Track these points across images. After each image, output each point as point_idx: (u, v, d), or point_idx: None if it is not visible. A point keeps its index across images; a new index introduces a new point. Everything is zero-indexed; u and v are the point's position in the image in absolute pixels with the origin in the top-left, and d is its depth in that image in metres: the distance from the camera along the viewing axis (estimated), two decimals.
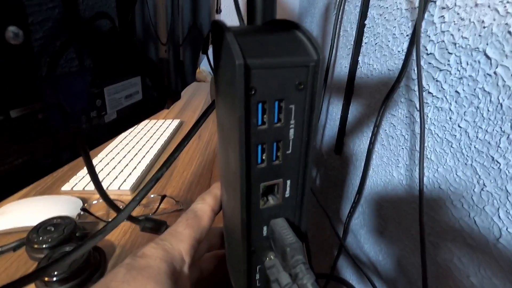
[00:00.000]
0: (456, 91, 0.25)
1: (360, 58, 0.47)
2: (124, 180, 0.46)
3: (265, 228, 0.17)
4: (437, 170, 0.28)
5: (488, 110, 0.22)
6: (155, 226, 0.29)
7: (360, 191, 0.45)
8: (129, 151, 0.56)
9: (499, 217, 0.21)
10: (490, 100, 0.22)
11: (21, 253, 0.34)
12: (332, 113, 0.63)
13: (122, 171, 0.49)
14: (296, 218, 0.18)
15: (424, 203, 0.30)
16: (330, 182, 0.63)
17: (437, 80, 0.28)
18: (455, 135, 0.25)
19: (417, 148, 0.31)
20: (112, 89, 0.27)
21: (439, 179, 0.28)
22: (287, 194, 0.17)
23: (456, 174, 0.25)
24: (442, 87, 0.27)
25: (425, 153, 0.30)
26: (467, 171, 0.24)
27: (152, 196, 0.43)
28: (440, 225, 0.27)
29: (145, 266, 0.18)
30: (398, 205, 0.35)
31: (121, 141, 0.60)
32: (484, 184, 0.22)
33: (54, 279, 0.29)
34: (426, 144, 0.29)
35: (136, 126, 0.65)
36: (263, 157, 0.15)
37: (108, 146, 0.57)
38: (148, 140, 0.61)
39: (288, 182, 0.16)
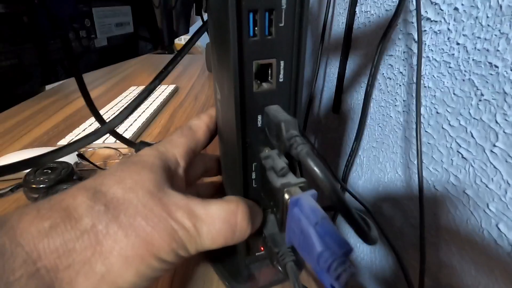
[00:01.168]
0: (455, 8, 0.25)
1: (357, 8, 0.46)
2: (122, 133, 0.46)
3: (259, 118, 0.17)
4: (434, 96, 0.28)
5: (487, 17, 0.22)
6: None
7: (358, 141, 0.45)
8: None
9: (496, 122, 0.21)
10: (490, 5, 0.21)
11: (20, 196, 0.34)
12: (329, 75, 0.62)
13: (118, 127, 0.48)
14: (291, 107, 0.17)
15: (421, 135, 0.30)
16: (329, 144, 0.63)
17: (435, 3, 0.27)
18: (453, 54, 0.25)
19: (415, 80, 0.30)
20: (101, 12, 0.26)
21: (436, 105, 0.28)
22: (281, 79, 0.17)
23: (453, 93, 0.25)
24: (440, 8, 0.26)
25: (422, 82, 0.29)
26: (464, 87, 0.24)
27: None
28: (438, 148, 0.27)
29: (139, 160, 0.17)
30: (396, 145, 0.35)
31: (116, 104, 0.60)
32: (481, 94, 0.22)
33: None
34: (423, 73, 0.29)
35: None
36: (255, 31, 0.15)
37: (104, 107, 0.56)
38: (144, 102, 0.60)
39: (282, 63, 0.16)
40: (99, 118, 0.29)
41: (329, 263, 0.12)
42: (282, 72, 0.16)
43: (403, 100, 0.33)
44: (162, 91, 0.66)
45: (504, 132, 0.20)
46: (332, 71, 0.60)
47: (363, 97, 0.41)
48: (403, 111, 0.34)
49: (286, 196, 0.15)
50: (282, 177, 0.16)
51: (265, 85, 0.16)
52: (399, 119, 0.35)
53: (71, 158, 0.39)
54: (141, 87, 0.71)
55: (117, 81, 0.78)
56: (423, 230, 0.30)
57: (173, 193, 0.16)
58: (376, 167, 0.41)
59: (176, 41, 1.55)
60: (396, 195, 0.36)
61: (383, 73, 0.38)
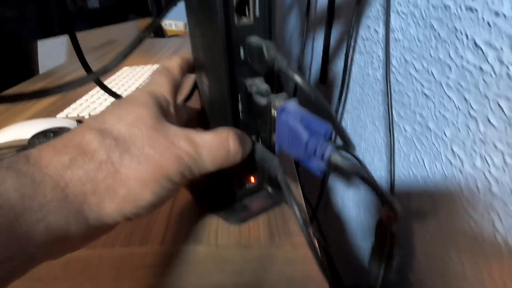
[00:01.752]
0: None
1: None
2: None
3: (242, 50, 0.20)
4: (403, 46, 0.31)
5: None
6: None
7: (341, 104, 0.48)
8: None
9: (450, 56, 0.24)
10: None
11: None
12: (317, 48, 0.65)
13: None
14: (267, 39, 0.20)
15: (391, 84, 0.33)
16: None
17: None
18: (417, 4, 0.28)
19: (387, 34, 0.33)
20: None
21: (404, 54, 0.30)
22: (257, 14, 0.19)
23: (417, 40, 0.28)
24: None
25: (394, 35, 0.32)
26: (426, 32, 0.27)
27: None
28: (407, 93, 0.30)
29: (133, 99, 0.19)
30: (373, 100, 0.38)
31: (110, 83, 0.62)
32: (439, 35, 0.25)
33: None
34: (394, 27, 0.32)
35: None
36: None
37: (89, 92, 0.58)
38: (132, 84, 0.62)
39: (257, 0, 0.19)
40: (87, 67, 0.31)
41: (314, 146, 0.15)
42: (257, 7, 0.19)
43: (378, 57, 0.36)
44: (150, 72, 0.68)
45: (456, 64, 0.23)
46: (319, 43, 0.63)
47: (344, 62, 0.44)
48: (379, 67, 0.36)
49: (273, 108, 0.18)
50: (267, 97, 0.19)
51: (244, 19, 0.19)
52: (376, 76, 0.37)
53: (70, 124, 0.41)
54: (135, 67, 0.72)
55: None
56: (393, 169, 0.33)
57: (172, 126, 0.18)
58: (358, 125, 0.44)
59: (167, 27, 1.55)
60: (374, 144, 0.39)
61: (361, 35, 0.41)
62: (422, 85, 0.28)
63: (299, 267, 0.22)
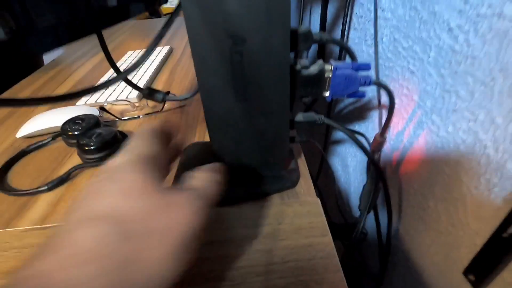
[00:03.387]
0: None
1: None
2: (130, 92, 0.52)
3: None
4: (392, 25, 0.34)
5: None
6: (152, 93, 0.37)
7: None
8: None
9: (429, 36, 0.27)
10: None
11: (59, 144, 0.41)
12: (314, 24, 0.67)
13: (122, 90, 0.54)
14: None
15: (378, 58, 0.36)
16: None
17: None
18: None
19: (378, 14, 0.36)
20: None
21: (394, 32, 0.34)
22: None
23: (404, 19, 0.31)
24: None
25: (384, 14, 0.35)
26: (411, 12, 0.30)
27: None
28: (396, 69, 0.34)
29: (121, 167, 0.17)
30: None
31: (119, 67, 0.64)
32: (421, 16, 0.28)
33: (92, 147, 0.36)
34: (384, 7, 0.35)
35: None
36: None
37: (102, 79, 0.61)
38: (142, 65, 0.65)
39: None
40: (116, 69, 0.35)
41: (364, 79, 0.25)
42: None
43: (371, 34, 0.39)
44: (158, 53, 0.70)
45: (434, 43, 0.27)
46: (316, 19, 0.64)
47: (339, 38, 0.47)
48: (372, 44, 0.40)
49: (326, 72, 0.25)
50: (313, 67, 0.24)
51: None
52: (368, 52, 0.41)
53: (94, 112, 0.45)
54: (138, 51, 0.74)
55: (112, 48, 0.82)
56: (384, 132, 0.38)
57: (172, 191, 0.17)
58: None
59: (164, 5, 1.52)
60: (369, 115, 0.43)
61: (356, 13, 0.43)
62: (408, 61, 0.31)
63: (305, 219, 0.28)
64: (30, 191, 0.33)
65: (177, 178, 0.31)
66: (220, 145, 0.28)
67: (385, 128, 0.35)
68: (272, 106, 0.24)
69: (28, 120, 0.45)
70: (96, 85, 0.28)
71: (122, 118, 0.46)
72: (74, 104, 0.51)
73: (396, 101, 0.35)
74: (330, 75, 0.25)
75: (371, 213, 0.40)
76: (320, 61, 0.25)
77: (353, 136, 0.29)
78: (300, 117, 0.28)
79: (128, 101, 0.49)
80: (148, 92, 0.38)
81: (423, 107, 0.30)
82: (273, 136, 0.27)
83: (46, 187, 0.33)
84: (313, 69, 0.25)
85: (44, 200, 0.32)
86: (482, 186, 0.24)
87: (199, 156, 0.34)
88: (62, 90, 0.59)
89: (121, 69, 0.63)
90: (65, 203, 0.32)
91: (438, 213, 0.30)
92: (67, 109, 0.48)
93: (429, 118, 0.29)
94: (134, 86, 0.38)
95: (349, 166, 0.53)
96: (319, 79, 0.25)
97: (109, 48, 0.35)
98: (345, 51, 0.29)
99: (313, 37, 0.24)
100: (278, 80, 0.23)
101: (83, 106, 0.49)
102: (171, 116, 0.47)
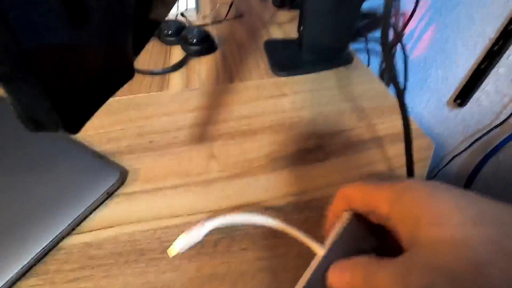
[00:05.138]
0: None
1: None
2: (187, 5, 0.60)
3: None
4: None
5: None
6: None
7: None
8: None
9: None
10: None
11: (154, 43, 0.51)
12: None
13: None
14: None
15: None
16: None
17: None
18: None
19: None
20: None
21: None
22: None
23: None
24: None
25: None
26: None
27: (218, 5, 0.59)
28: None
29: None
30: None
31: None
32: None
33: (195, 40, 0.47)
34: None
35: None
36: None
37: None
38: None
39: None
40: None
41: None
42: None
43: None
44: None
45: None
46: None
47: None
48: None
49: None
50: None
51: None
52: None
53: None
54: None
55: None
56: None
57: None
58: None
59: None
60: None
61: None
62: None
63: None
64: (160, 71, 0.44)
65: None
66: (312, 33, 0.41)
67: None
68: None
69: None
70: None
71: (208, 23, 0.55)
72: None
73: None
74: None
75: None
76: None
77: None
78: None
79: (194, 11, 0.58)
80: None
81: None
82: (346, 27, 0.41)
83: (170, 69, 0.45)
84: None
85: (173, 79, 0.44)
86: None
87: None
88: None
89: None
90: (192, 79, 0.44)
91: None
92: None
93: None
94: None
95: None
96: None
97: None
98: None
99: None
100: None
101: None
102: (237, 22, 0.57)
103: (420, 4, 0.47)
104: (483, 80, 0.40)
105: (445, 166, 0.49)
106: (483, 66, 0.40)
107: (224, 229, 0.27)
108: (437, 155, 0.50)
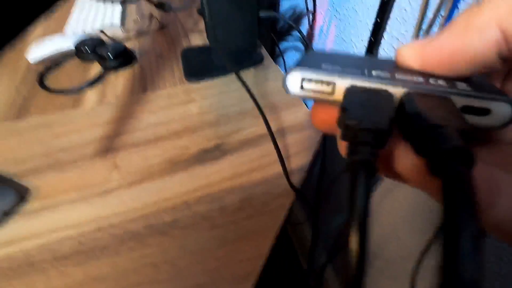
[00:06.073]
0: None
1: None
2: (109, 18, 0.61)
3: None
4: None
5: None
6: (161, 5, 0.50)
7: None
8: None
9: None
10: None
11: (74, 62, 0.52)
12: None
13: (103, 18, 0.63)
14: None
15: None
16: None
17: None
18: None
19: None
20: None
21: None
22: None
23: None
24: None
25: None
26: None
27: None
28: None
29: None
30: None
31: None
32: None
33: (111, 56, 0.48)
34: None
35: None
36: None
37: (75, 8, 0.67)
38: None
39: None
40: None
41: None
42: None
43: None
44: None
45: None
46: None
47: None
48: None
49: None
50: None
51: None
52: None
53: (98, 36, 0.55)
54: None
55: None
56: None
57: None
58: None
59: None
60: None
61: None
62: None
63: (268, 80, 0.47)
64: (75, 88, 0.45)
65: None
66: (217, 37, 0.44)
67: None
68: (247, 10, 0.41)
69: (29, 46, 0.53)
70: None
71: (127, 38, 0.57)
72: (63, 33, 0.59)
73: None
74: None
75: None
76: None
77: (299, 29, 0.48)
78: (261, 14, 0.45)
79: (118, 26, 0.59)
80: (158, 4, 0.50)
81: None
82: (248, 29, 0.44)
83: (84, 86, 0.46)
84: None
85: (88, 96, 0.45)
86: None
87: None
88: (41, 25, 0.64)
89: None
90: (107, 94, 0.46)
91: None
92: (62, 36, 0.56)
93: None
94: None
95: None
96: None
97: None
98: None
99: None
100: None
101: (77, 34, 0.58)
102: (160, 34, 0.59)
103: (320, 3, 0.51)
104: None
105: None
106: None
107: (117, 233, 0.29)
108: None
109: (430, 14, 0.37)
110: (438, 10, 0.35)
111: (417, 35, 0.38)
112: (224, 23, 0.42)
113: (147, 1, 0.58)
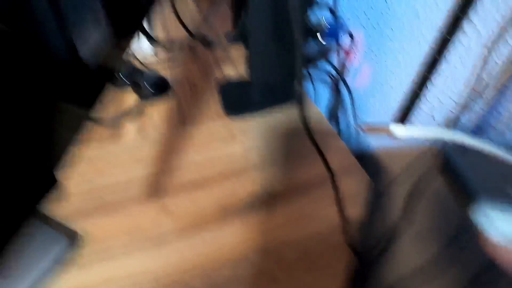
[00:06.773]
0: None
1: None
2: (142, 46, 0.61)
3: None
4: None
5: None
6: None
7: None
8: None
9: None
10: None
11: None
12: None
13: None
14: None
15: None
16: None
17: None
18: None
19: None
20: None
21: None
22: None
23: None
24: None
25: None
26: None
27: None
28: None
29: None
30: None
31: None
32: None
33: (148, 84, 0.48)
34: None
35: None
36: None
37: None
38: None
39: None
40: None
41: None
42: None
43: None
44: None
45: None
46: None
47: None
48: None
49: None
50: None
51: None
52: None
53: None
54: None
55: None
56: None
57: None
58: None
59: None
60: None
61: None
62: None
63: None
64: (113, 118, 0.45)
65: None
66: (258, 73, 0.44)
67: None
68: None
69: None
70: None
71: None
72: None
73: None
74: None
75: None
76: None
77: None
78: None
79: (152, 54, 0.59)
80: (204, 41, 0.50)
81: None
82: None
83: (122, 116, 0.45)
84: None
85: (128, 128, 0.45)
86: None
87: None
88: None
89: None
90: (145, 124, 0.45)
91: None
92: None
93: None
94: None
95: None
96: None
97: None
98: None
99: None
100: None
101: None
102: (190, 61, 0.58)
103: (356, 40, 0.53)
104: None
105: None
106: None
107: None
108: None
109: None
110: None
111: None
112: (266, 58, 0.43)
113: (192, 37, 0.58)
